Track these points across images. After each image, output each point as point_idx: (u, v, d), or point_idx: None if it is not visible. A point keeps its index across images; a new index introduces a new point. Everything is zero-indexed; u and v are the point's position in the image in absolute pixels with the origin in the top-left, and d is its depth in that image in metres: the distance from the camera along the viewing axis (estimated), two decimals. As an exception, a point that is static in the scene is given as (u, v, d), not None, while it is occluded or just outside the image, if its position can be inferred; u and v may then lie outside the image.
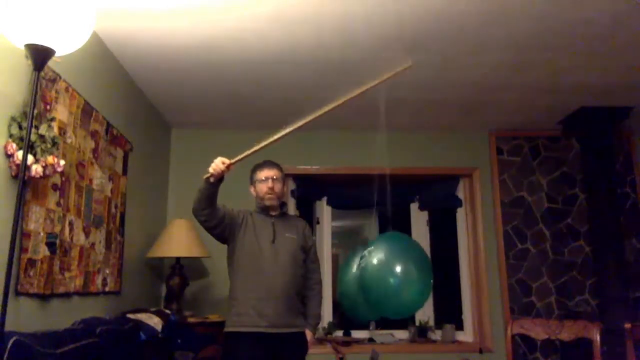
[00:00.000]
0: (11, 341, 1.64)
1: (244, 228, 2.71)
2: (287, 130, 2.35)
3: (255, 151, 2.39)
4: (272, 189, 2.75)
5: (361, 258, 2.77)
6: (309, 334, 2.73)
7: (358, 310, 2.92)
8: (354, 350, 3.99)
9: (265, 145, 2.37)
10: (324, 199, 4.73)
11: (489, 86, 3.56)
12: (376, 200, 3.06)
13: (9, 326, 1.71)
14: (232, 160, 2.42)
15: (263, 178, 2.76)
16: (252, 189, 2.84)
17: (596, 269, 4.11)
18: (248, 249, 2.68)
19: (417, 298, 2.68)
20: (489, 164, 4.48)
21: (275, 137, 2.35)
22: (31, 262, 2.09)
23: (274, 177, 2.77)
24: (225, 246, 2.78)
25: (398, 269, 2.62)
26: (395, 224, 3.09)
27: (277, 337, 2.58)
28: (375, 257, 2.68)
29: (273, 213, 2.79)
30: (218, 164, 2.41)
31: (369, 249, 2.73)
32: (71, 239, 2.45)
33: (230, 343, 2.64)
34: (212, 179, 2.45)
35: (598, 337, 2.94)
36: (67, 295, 2.43)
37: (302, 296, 2.76)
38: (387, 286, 2.63)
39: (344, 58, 3.10)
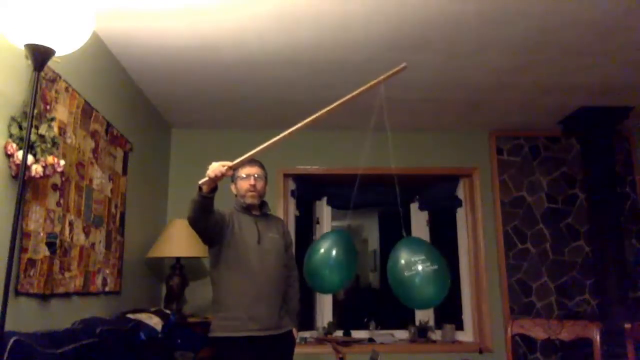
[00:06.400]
0: (11, 341, 1.64)
1: (230, 229, 2.60)
2: (286, 132, 2.24)
3: (256, 153, 2.25)
4: (254, 186, 2.66)
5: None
6: (295, 332, 2.72)
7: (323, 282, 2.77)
8: (354, 350, 3.98)
9: (267, 147, 2.23)
10: (324, 199, 4.73)
11: (489, 86, 3.56)
12: (377, 200, 2.96)
13: (9, 326, 1.71)
14: (233, 163, 2.26)
15: (244, 175, 2.67)
16: (232, 187, 2.75)
17: (596, 269, 4.11)
18: (235, 250, 2.59)
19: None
20: (489, 164, 4.48)
21: (276, 139, 2.23)
22: (31, 262, 2.09)
23: (256, 174, 2.68)
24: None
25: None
26: (394, 224, 3.05)
27: (268, 339, 2.55)
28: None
29: (255, 212, 2.70)
30: (217, 167, 2.22)
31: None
32: (71, 239, 2.45)
33: (221, 349, 2.56)
34: (205, 188, 2.27)
35: (598, 337, 2.94)
36: (67, 295, 2.43)
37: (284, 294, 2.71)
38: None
39: (344, 58, 3.10)
